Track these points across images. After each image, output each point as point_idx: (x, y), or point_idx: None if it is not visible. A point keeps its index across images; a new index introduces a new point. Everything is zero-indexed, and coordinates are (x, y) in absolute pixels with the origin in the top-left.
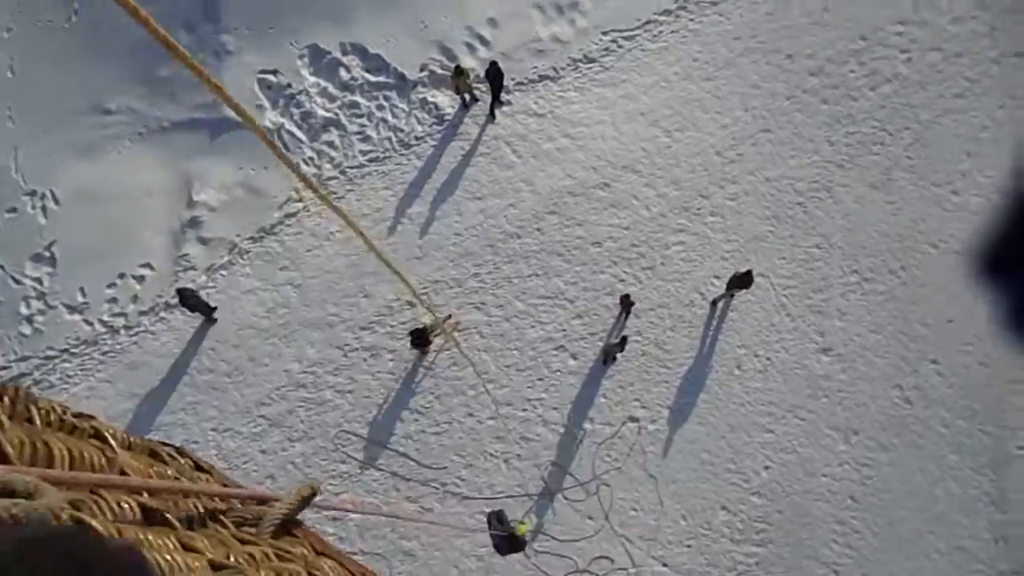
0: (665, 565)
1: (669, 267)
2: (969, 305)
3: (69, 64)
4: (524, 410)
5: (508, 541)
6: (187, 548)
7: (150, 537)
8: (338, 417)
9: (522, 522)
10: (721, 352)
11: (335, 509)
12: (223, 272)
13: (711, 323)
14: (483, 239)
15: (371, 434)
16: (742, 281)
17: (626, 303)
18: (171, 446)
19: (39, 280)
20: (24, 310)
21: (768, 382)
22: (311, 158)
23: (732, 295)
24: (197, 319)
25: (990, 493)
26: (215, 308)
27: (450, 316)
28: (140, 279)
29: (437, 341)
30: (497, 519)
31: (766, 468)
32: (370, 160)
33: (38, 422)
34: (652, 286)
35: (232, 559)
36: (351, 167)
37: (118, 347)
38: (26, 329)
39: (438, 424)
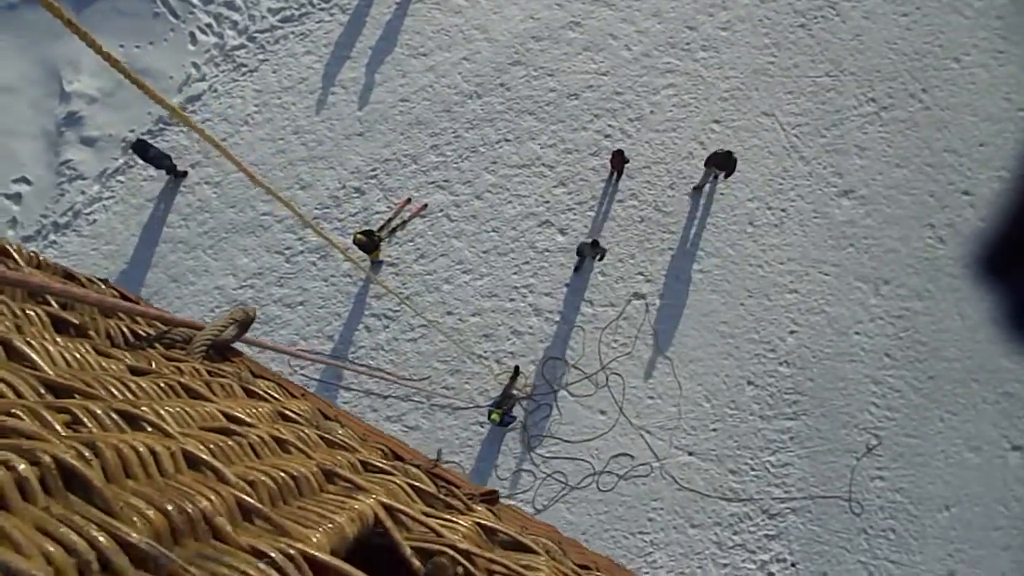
0: (691, 454)
1: (660, 115)
2: (1001, 124)
3: None
4: (512, 300)
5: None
6: (103, 355)
7: (57, 339)
8: (291, 334)
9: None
10: (729, 208)
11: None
12: (120, 178)
13: (715, 177)
14: (436, 103)
15: (334, 350)
16: (723, 161)
17: (618, 161)
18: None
19: None
20: None
21: (786, 236)
22: (208, 25)
23: (716, 177)
24: (96, 240)
25: None
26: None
27: (409, 200)
28: (16, 198)
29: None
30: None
31: (792, 333)
32: (283, 20)
33: None
34: (643, 139)
35: (155, 367)
36: (260, 31)
37: None
38: None
39: (413, 328)
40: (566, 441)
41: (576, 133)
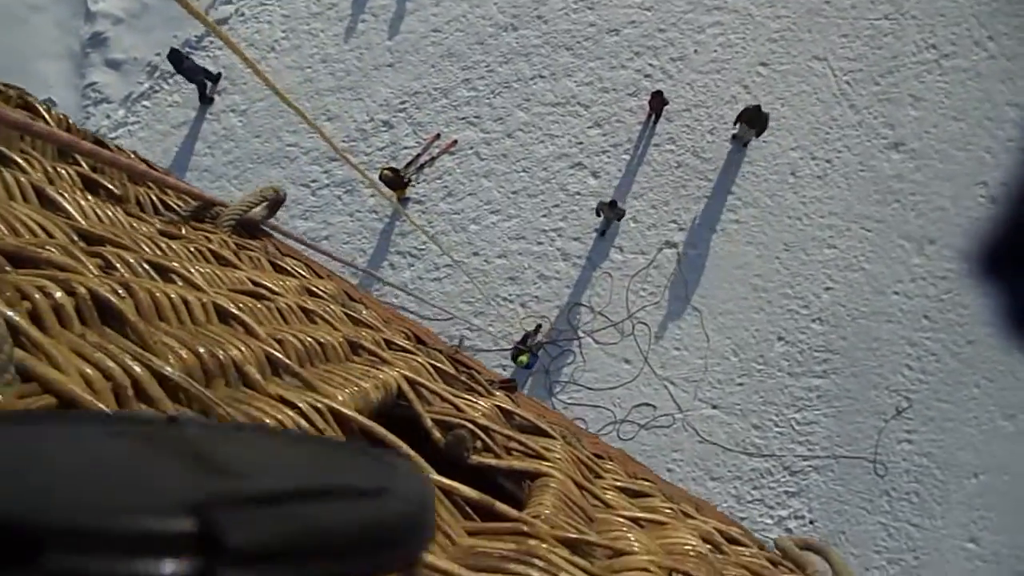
0: (715, 407)
1: (704, 55)
2: None
3: None
4: (540, 243)
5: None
6: (134, 217)
7: (89, 197)
8: None
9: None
10: (771, 157)
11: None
12: (145, 103)
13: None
14: (470, 34)
15: (358, 286)
16: (753, 117)
17: (657, 103)
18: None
19: None
20: None
21: (828, 189)
22: None
23: (751, 136)
24: None
25: None
26: (218, 77)
27: (438, 136)
28: None
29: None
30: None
31: (827, 290)
32: None
33: None
34: (684, 80)
35: (185, 234)
36: None
37: None
38: None
39: (437, 268)
40: (588, 388)
41: (615, 71)
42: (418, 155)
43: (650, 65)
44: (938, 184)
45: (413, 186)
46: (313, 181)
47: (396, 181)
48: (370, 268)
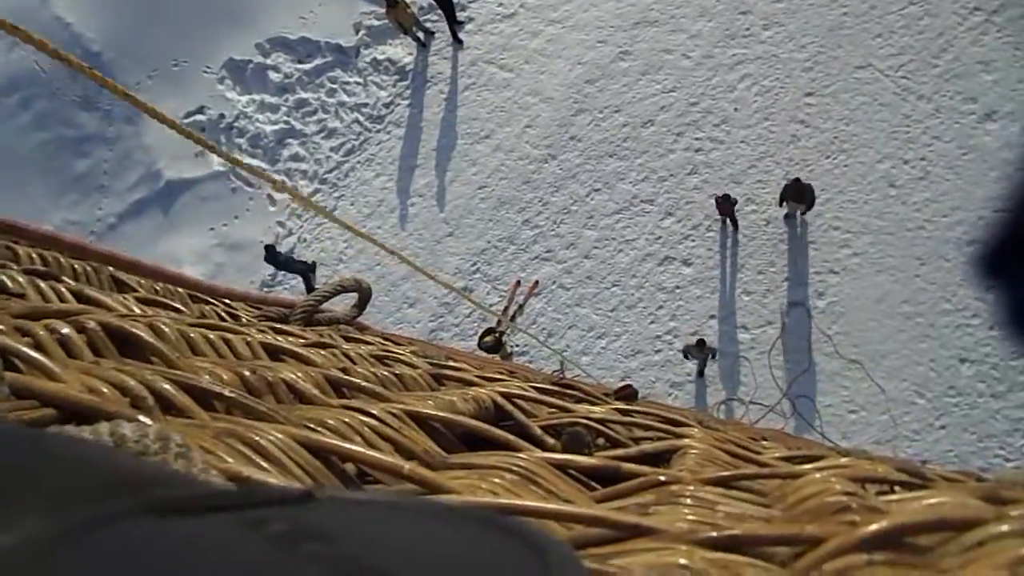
0: (925, 462)
1: (746, 110)
2: None
3: None
4: (658, 351)
5: None
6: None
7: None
8: None
9: None
10: (860, 178)
11: None
12: None
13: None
14: (513, 179)
15: None
16: (799, 193)
17: (727, 207)
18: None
19: None
20: None
21: (937, 185)
22: (281, 182)
23: (799, 212)
24: None
25: None
26: (314, 266)
27: (518, 283)
28: None
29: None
30: None
31: (990, 288)
32: (346, 154)
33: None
34: (736, 140)
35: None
36: (328, 171)
37: None
38: None
39: None
40: None
41: (664, 158)
42: (505, 307)
43: (696, 139)
44: None
45: (512, 333)
46: None
47: (496, 344)
48: None
